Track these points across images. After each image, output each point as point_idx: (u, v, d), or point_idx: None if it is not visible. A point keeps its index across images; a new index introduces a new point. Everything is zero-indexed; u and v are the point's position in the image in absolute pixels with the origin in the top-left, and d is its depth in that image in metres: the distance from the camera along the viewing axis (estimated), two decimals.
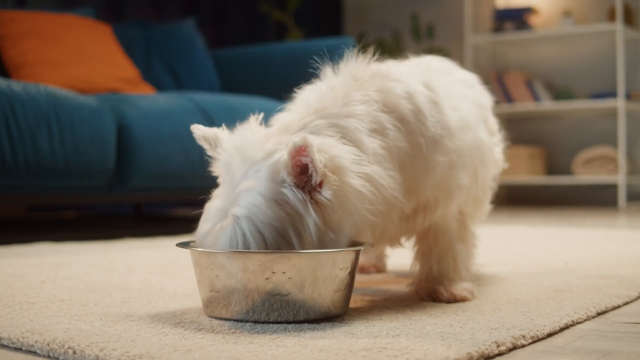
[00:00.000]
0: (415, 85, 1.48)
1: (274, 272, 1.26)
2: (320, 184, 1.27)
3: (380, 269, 2.06)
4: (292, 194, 1.27)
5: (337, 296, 1.33)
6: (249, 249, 1.26)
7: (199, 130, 1.43)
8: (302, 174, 1.27)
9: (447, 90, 1.57)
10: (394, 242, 1.60)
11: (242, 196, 1.28)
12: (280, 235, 1.27)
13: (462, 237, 1.61)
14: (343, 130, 1.37)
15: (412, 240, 1.66)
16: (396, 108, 1.44)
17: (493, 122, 1.83)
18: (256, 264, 1.25)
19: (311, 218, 1.27)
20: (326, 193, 1.27)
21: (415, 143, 1.45)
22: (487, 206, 1.86)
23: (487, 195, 1.81)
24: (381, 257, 2.07)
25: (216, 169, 1.41)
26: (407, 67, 1.61)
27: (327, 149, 1.29)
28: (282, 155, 1.28)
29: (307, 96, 1.46)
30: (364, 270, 2.04)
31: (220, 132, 1.42)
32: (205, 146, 1.43)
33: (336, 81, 1.46)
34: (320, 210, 1.28)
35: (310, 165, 1.26)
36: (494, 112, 1.86)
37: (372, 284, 1.83)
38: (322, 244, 1.29)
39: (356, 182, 1.31)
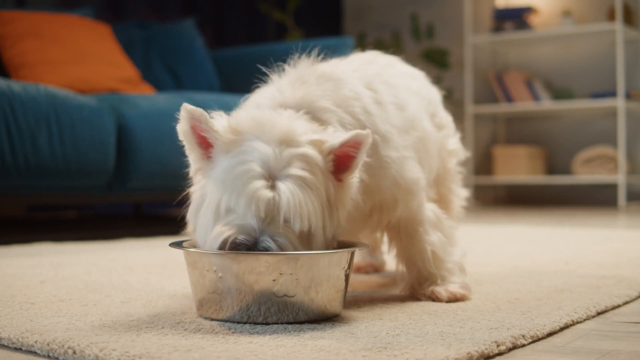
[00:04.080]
0: (358, 87, 1.53)
1: (281, 274, 1.26)
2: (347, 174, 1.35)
3: (377, 267, 2.06)
4: (327, 177, 1.33)
5: (337, 296, 1.33)
6: (304, 212, 1.27)
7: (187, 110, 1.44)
8: (340, 163, 1.33)
9: (391, 87, 1.61)
10: (352, 237, 1.61)
11: (293, 162, 1.29)
12: (322, 206, 1.31)
13: (436, 226, 1.61)
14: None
15: (387, 242, 1.67)
16: (348, 108, 1.48)
17: (444, 116, 1.88)
18: (264, 266, 1.25)
19: (339, 200, 1.35)
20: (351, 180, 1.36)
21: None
22: (461, 192, 1.93)
23: (456, 180, 1.91)
24: (376, 255, 2.07)
25: (220, 133, 1.39)
26: (351, 64, 1.64)
27: None
28: (332, 140, 1.33)
29: (261, 100, 1.49)
30: (361, 270, 2.04)
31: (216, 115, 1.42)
32: (191, 124, 1.45)
33: (287, 85, 1.49)
34: (342, 190, 1.36)
35: (355, 161, 1.32)
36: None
37: (371, 283, 1.83)
38: (339, 223, 1.36)
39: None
